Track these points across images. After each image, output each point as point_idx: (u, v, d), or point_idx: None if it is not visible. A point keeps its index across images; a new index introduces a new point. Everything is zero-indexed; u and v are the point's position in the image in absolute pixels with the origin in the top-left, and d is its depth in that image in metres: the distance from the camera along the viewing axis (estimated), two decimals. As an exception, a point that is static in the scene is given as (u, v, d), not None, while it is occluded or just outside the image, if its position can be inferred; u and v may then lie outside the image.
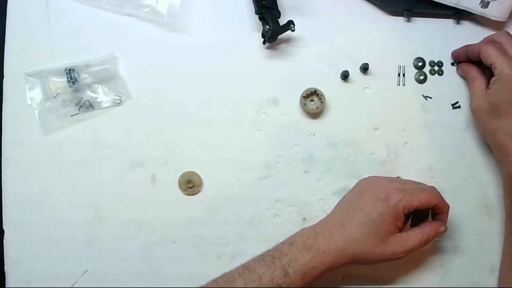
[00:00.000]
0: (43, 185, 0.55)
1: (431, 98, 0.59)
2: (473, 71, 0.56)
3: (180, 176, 0.56)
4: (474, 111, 0.55)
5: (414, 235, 0.50)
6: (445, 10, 0.59)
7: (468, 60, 0.57)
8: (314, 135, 0.58)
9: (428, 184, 0.54)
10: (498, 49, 0.53)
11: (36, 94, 0.56)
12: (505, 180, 0.54)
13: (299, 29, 0.56)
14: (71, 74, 0.55)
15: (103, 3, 0.57)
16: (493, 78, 0.53)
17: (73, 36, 0.57)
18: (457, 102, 0.59)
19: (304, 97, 0.57)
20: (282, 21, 0.55)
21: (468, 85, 0.58)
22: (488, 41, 0.56)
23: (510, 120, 0.52)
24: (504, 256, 0.55)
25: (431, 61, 0.60)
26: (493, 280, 0.57)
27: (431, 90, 0.59)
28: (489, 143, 0.56)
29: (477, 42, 0.59)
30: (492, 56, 0.52)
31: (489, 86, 0.53)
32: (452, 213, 0.54)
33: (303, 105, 0.57)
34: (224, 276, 0.49)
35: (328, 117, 0.58)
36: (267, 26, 0.54)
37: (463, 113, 0.59)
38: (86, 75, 0.56)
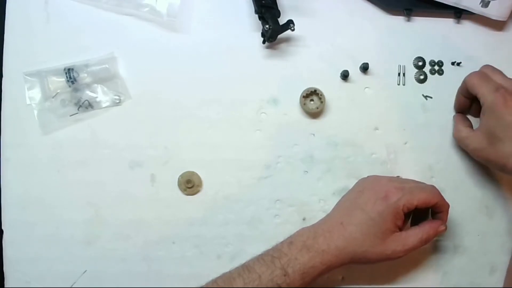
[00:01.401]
0: (42, 185, 0.55)
1: (431, 98, 0.59)
2: (458, 122, 0.56)
3: (180, 176, 0.56)
4: (477, 155, 0.53)
5: (414, 234, 0.50)
6: (445, 9, 0.59)
7: (467, 99, 0.56)
8: (314, 135, 0.58)
9: (428, 184, 0.54)
10: (480, 78, 0.53)
11: (35, 93, 0.56)
12: None
13: (299, 29, 0.56)
14: (70, 74, 0.55)
15: (103, 3, 0.57)
16: (482, 109, 0.52)
17: (72, 35, 0.57)
18: None
19: (304, 97, 0.57)
20: (282, 20, 0.55)
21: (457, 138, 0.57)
22: (473, 72, 0.55)
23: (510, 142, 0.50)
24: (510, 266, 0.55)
25: (431, 60, 0.60)
26: (493, 280, 0.57)
27: (431, 90, 0.59)
28: (508, 173, 0.52)
29: (477, 42, 0.60)
30: (475, 85, 0.52)
31: (480, 117, 0.52)
32: (452, 213, 0.54)
33: (303, 105, 0.57)
34: (224, 276, 0.49)
35: (328, 117, 0.58)
36: (267, 26, 0.54)
37: (463, 113, 0.59)
38: (86, 75, 0.56)
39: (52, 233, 0.55)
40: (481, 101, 0.51)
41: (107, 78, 0.56)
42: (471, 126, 0.56)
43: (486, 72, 0.54)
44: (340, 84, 0.59)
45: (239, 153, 0.57)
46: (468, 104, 0.56)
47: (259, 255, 0.50)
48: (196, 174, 0.56)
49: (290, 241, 0.50)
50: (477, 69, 0.57)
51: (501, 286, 0.57)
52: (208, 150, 0.56)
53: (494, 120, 0.50)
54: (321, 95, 0.57)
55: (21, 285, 0.55)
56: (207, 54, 0.58)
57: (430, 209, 0.53)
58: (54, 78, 0.55)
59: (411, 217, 0.53)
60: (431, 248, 0.57)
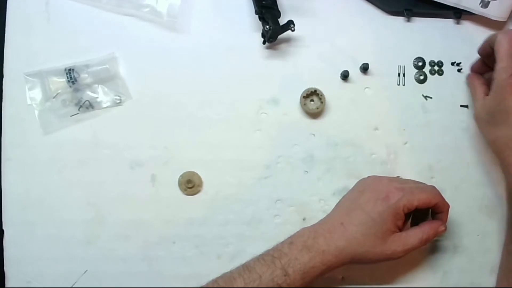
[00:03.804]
0: (43, 185, 0.55)
1: (431, 98, 0.59)
2: (475, 80, 0.56)
3: (180, 176, 0.56)
4: (475, 120, 0.54)
5: (414, 235, 0.50)
6: (445, 10, 0.59)
7: (488, 56, 0.54)
8: (314, 135, 0.58)
9: (428, 184, 0.54)
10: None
11: (36, 94, 0.56)
12: (506, 189, 0.53)
13: (299, 29, 0.56)
14: (71, 74, 0.55)
15: (103, 3, 0.57)
16: (492, 83, 0.51)
17: (73, 36, 0.57)
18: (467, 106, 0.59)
19: (304, 97, 0.57)
20: (282, 21, 0.55)
21: (471, 96, 0.57)
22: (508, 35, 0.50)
23: (506, 129, 0.50)
24: (501, 266, 0.55)
25: (431, 61, 0.60)
26: (493, 280, 0.57)
27: (431, 90, 0.59)
28: (492, 150, 0.54)
29: (477, 42, 0.60)
30: (501, 53, 0.49)
31: (489, 93, 0.52)
32: (452, 213, 0.54)
33: (303, 105, 0.57)
34: (224, 276, 0.49)
35: (328, 117, 0.58)
36: (267, 26, 0.54)
37: (463, 113, 0.59)
38: (86, 75, 0.56)
39: (53, 233, 0.55)
40: (495, 74, 0.50)
41: (108, 78, 0.56)
42: (486, 84, 0.54)
43: None
44: (340, 84, 0.59)
45: (239, 153, 0.57)
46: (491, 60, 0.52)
47: (260, 255, 0.50)
48: (197, 174, 0.56)
49: (290, 241, 0.50)
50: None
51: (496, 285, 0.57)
52: (208, 150, 0.57)
53: (498, 101, 0.50)
54: (321, 95, 0.57)
55: (22, 285, 0.55)
56: (208, 54, 0.58)
57: (430, 210, 0.53)
58: (55, 79, 0.56)
59: (411, 217, 0.53)
60: (431, 248, 0.57)
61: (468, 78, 0.58)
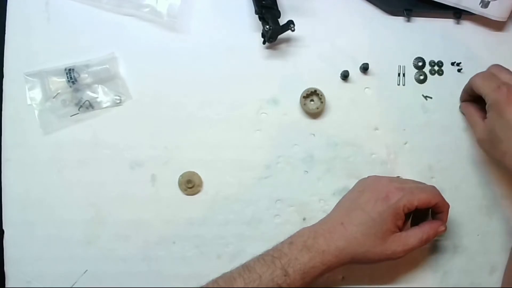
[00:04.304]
0: (43, 185, 0.55)
1: (431, 98, 0.59)
2: (470, 108, 0.56)
3: (180, 176, 0.56)
4: (479, 143, 0.54)
5: (414, 235, 0.50)
6: (445, 10, 0.59)
7: (471, 98, 0.56)
8: (314, 135, 0.58)
9: (428, 184, 0.54)
10: (484, 77, 0.53)
11: (36, 94, 0.56)
12: None
13: (299, 29, 0.56)
14: (71, 74, 0.55)
15: (103, 3, 0.57)
16: (486, 107, 0.52)
17: (73, 36, 0.57)
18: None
19: (304, 97, 0.57)
20: (282, 21, 0.55)
21: (468, 123, 0.57)
22: (479, 73, 0.55)
23: (510, 143, 0.50)
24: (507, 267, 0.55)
25: (431, 61, 0.60)
26: (493, 280, 0.57)
27: (431, 90, 0.59)
28: (504, 168, 0.53)
29: (477, 42, 0.60)
30: (479, 85, 0.52)
31: (486, 115, 0.52)
32: (452, 213, 0.54)
33: (303, 105, 0.57)
34: (224, 276, 0.49)
35: (328, 117, 0.58)
36: (267, 26, 0.54)
37: (463, 113, 0.59)
38: (86, 75, 0.56)
39: (53, 233, 0.55)
40: (486, 100, 0.51)
41: (108, 78, 0.56)
42: (481, 110, 0.55)
43: (493, 71, 0.53)
44: (340, 84, 0.59)
45: (239, 153, 0.57)
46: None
47: (260, 255, 0.50)
48: (197, 174, 0.56)
49: (290, 241, 0.50)
50: (476, 69, 0.57)
51: (501, 286, 0.57)
52: (208, 150, 0.57)
53: (496, 118, 0.50)
54: (321, 95, 0.57)
55: (22, 285, 0.55)
56: (208, 54, 0.58)
57: (430, 210, 0.53)
58: (55, 79, 0.56)
59: (411, 217, 0.53)
60: (431, 248, 0.57)
61: (462, 107, 0.58)
